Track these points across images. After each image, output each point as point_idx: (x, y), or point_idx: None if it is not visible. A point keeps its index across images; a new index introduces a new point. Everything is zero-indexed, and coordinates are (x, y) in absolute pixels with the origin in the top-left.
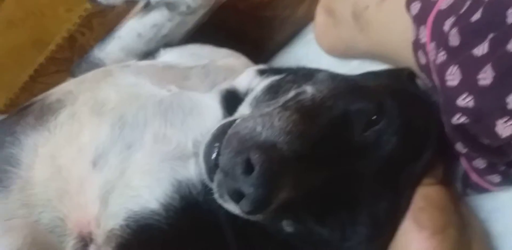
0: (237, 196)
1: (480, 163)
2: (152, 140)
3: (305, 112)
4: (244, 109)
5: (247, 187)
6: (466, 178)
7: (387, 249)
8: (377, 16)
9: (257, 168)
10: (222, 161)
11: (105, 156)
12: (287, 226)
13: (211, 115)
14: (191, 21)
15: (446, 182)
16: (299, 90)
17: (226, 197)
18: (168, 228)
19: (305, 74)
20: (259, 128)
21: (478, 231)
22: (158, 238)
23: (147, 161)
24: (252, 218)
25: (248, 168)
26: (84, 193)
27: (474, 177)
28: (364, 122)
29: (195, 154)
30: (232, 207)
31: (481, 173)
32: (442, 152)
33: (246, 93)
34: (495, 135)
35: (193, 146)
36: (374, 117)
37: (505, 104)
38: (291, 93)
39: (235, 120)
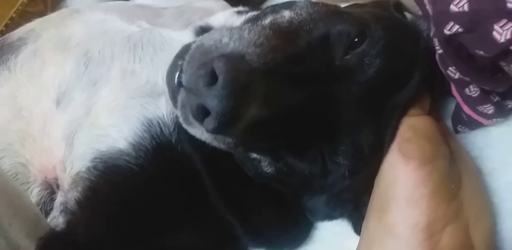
0: (201, 115)
1: (473, 91)
2: (120, 75)
3: (281, 32)
4: None
5: (211, 99)
6: (457, 113)
7: (372, 183)
8: None
9: (221, 77)
10: (185, 77)
11: (70, 94)
12: (266, 167)
13: None
14: None
15: (435, 117)
16: (276, 15)
17: (191, 118)
18: (138, 169)
19: (284, 4)
20: (225, 39)
21: (469, 167)
22: (128, 180)
23: (114, 97)
24: (220, 142)
25: (212, 79)
26: (48, 135)
27: (466, 109)
28: (345, 45)
29: (165, 91)
30: (198, 131)
31: (473, 102)
32: (431, 89)
33: None
34: (492, 41)
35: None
36: (356, 39)
37: (503, 5)
38: (268, 19)
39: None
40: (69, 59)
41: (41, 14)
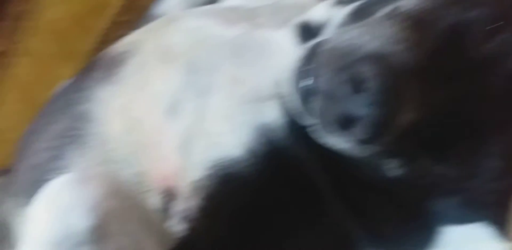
0: (346, 123)
1: None
2: (227, 82)
3: (414, 22)
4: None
5: (360, 107)
6: None
7: None
8: None
9: (371, 82)
10: (322, 82)
11: (180, 103)
12: (394, 169)
13: (287, 51)
14: None
15: None
16: (397, 4)
17: (333, 126)
18: (255, 176)
19: None
20: (364, 37)
21: None
22: (245, 186)
23: (225, 104)
24: (364, 151)
25: (358, 85)
26: (163, 145)
27: None
28: (486, 31)
29: (275, 95)
30: (341, 140)
31: None
32: None
33: (323, 26)
34: None
35: (271, 86)
36: (499, 23)
37: None
38: (388, 9)
39: (324, 40)
40: (175, 69)
41: (134, 22)
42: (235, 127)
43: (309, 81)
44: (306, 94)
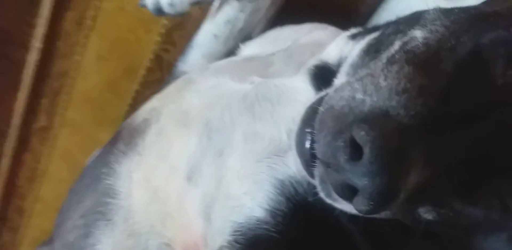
0: (347, 192)
1: None
2: (243, 140)
3: (420, 62)
4: (340, 82)
5: (359, 177)
6: None
7: None
8: None
9: (367, 149)
10: (319, 148)
11: (198, 168)
12: (425, 214)
13: (303, 98)
14: (264, 6)
15: None
16: (405, 39)
17: (334, 195)
18: (280, 236)
19: (409, 19)
20: (359, 95)
21: None
22: (271, 248)
23: (241, 164)
24: (379, 216)
25: (356, 151)
26: (185, 212)
27: None
28: (505, 58)
29: (292, 146)
30: (345, 206)
31: None
32: None
33: (339, 64)
34: None
35: (288, 137)
36: None
37: None
38: (396, 45)
39: (326, 96)
40: (192, 133)
41: (161, 81)
42: (254, 186)
43: (309, 145)
44: (308, 159)
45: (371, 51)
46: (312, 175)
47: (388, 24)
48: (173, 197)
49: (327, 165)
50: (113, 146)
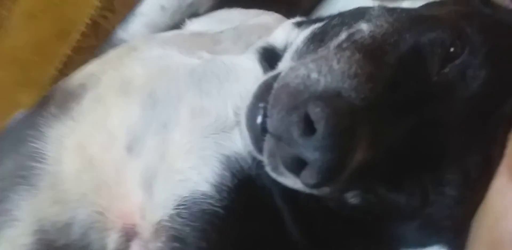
0: (296, 166)
1: None
2: (189, 114)
3: (368, 52)
4: (285, 65)
5: (311, 151)
6: None
7: (476, 213)
8: None
9: (321, 125)
10: (272, 122)
11: (140, 139)
12: (352, 198)
13: (250, 77)
14: None
15: None
16: (351, 30)
17: (281, 169)
18: (224, 211)
19: (354, 13)
20: (314, 75)
21: None
22: (214, 224)
23: (187, 138)
24: (317, 192)
25: (308, 127)
26: (124, 182)
27: None
28: (441, 57)
29: (238, 123)
30: (290, 181)
31: None
32: None
33: (285, 49)
34: None
35: (235, 114)
36: (452, 49)
37: None
38: (343, 35)
39: (279, 74)
40: (134, 103)
41: (95, 48)
42: (200, 161)
43: (260, 120)
44: (257, 133)
45: (316, 40)
46: (260, 149)
47: (332, 17)
48: (110, 166)
49: (278, 139)
50: (43, 109)
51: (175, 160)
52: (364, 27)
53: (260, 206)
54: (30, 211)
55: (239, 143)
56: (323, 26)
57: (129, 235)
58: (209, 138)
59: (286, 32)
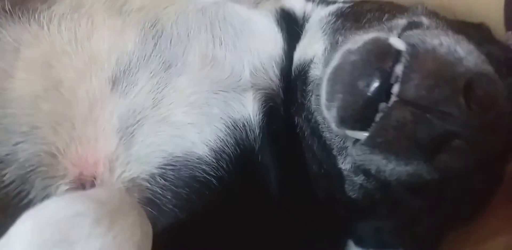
0: (436, 143)
1: None
2: (199, 61)
3: None
4: (314, 35)
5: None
6: None
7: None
8: None
9: (489, 106)
10: (416, 90)
11: (132, 75)
12: (351, 192)
13: (268, 37)
14: None
15: None
16: (410, 19)
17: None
18: (217, 183)
19: (388, 5)
20: (461, 53)
21: None
22: (203, 195)
23: (194, 89)
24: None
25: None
26: (95, 123)
27: None
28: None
29: (254, 86)
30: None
31: None
32: None
33: (303, 17)
34: None
35: (251, 74)
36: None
37: None
38: (402, 21)
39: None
40: (131, 28)
41: None
42: (203, 119)
43: (375, 83)
44: (364, 97)
45: (349, 19)
46: (356, 119)
47: (357, 2)
48: (83, 99)
49: (420, 109)
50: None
51: (174, 111)
52: (424, 20)
53: (253, 181)
54: None
55: (250, 108)
56: (351, 8)
57: (81, 188)
58: (219, 94)
59: (301, 3)
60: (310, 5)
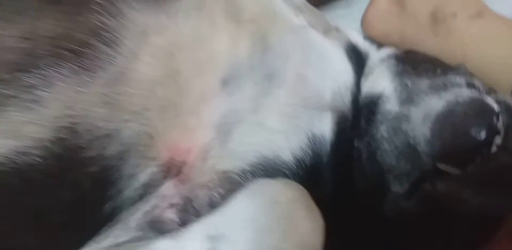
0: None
1: None
2: (295, 78)
3: None
4: (382, 74)
5: None
6: None
7: None
8: (468, 30)
9: None
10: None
11: (240, 79)
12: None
13: (343, 66)
14: None
15: None
16: (467, 79)
17: None
18: None
19: (438, 61)
20: None
21: None
22: None
23: (289, 101)
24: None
25: None
26: (198, 115)
27: None
28: None
29: (332, 107)
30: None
31: None
32: None
33: (366, 54)
34: None
35: (332, 98)
36: None
37: None
38: (460, 80)
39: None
40: (245, 36)
41: None
42: (292, 128)
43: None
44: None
45: (408, 65)
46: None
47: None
48: (195, 91)
49: None
50: None
51: (268, 118)
52: (477, 83)
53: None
54: (64, 99)
55: (327, 126)
56: (406, 54)
57: (169, 172)
58: (307, 109)
59: (362, 40)
60: (367, 44)
